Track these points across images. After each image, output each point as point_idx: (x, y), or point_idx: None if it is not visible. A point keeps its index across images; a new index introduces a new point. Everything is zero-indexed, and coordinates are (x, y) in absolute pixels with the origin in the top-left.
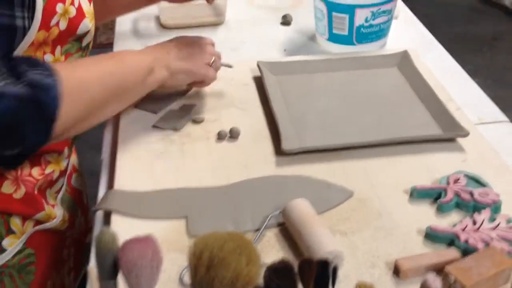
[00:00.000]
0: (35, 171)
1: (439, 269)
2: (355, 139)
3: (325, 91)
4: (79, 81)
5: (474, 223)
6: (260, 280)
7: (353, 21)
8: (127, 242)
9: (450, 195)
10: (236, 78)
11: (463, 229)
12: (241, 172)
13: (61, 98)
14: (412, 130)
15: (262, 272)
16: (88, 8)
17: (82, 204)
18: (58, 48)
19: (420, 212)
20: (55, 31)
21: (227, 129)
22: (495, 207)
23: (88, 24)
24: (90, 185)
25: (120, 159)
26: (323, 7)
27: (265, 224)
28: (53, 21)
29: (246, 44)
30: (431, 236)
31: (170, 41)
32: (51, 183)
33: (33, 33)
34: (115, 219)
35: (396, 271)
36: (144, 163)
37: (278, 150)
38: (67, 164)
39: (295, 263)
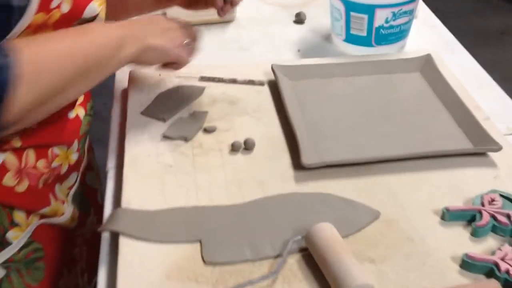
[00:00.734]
0: (41, 164)
1: None
2: (378, 152)
3: (344, 97)
4: (36, 61)
5: None
6: None
7: (373, 21)
8: None
9: (486, 218)
10: None
11: (503, 258)
12: (257, 188)
13: (14, 81)
14: (438, 143)
15: None
16: None
17: (96, 203)
18: None
19: (453, 237)
20: (56, 14)
21: (241, 139)
22: None
23: (95, 8)
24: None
25: (128, 173)
26: (340, 6)
27: (287, 250)
28: (54, 3)
29: (258, 44)
30: (467, 264)
31: (145, 15)
32: (59, 177)
33: (31, 14)
34: (123, 242)
35: None
36: (153, 177)
37: (296, 163)
38: (78, 159)
39: None
